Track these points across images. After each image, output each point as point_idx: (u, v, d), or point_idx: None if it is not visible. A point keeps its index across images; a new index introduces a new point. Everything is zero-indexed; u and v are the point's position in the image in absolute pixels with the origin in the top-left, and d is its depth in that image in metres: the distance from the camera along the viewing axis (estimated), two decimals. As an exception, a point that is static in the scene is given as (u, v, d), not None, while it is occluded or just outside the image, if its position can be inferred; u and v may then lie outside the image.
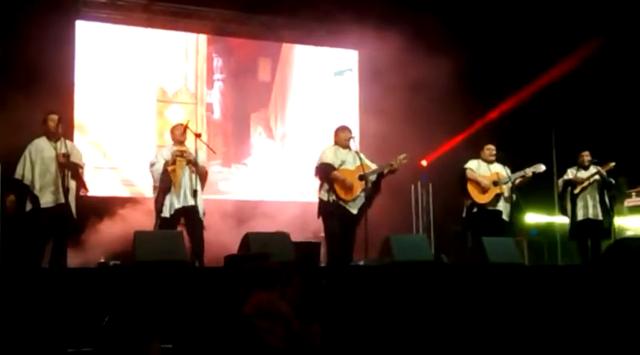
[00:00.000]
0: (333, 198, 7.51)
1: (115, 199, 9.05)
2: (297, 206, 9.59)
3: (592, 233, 8.74)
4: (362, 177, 7.51)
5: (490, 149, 8.45)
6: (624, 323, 6.29)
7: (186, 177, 7.38)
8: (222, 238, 8.08)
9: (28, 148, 7.14)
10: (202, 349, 3.45)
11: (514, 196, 8.30)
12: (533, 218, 10.27)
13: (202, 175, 7.52)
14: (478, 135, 9.33)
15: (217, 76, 10.47)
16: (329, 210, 7.55)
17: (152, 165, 7.51)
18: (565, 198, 8.94)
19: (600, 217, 8.74)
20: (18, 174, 7.08)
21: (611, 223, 8.88)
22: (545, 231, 10.36)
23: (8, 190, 7.18)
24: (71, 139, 8.08)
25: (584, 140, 9.56)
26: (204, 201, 7.54)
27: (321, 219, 7.67)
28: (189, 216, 7.35)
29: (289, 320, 4.05)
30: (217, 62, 10.49)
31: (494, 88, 10.53)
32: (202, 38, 10.40)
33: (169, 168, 7.38)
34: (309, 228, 8.79)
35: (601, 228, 8.75)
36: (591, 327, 6.23)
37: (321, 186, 7.64)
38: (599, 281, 6.92)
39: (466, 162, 8.44)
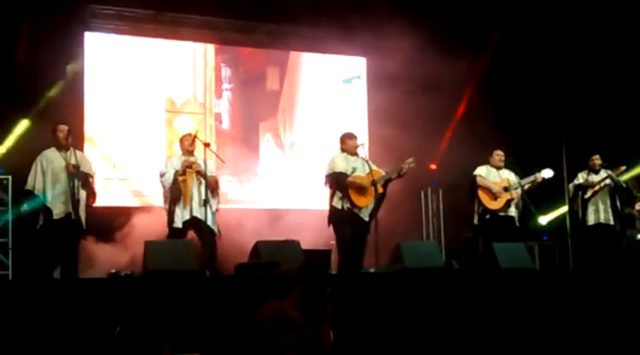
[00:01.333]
0: (347, 205, 7.51)
1: (125, 209, 9.06)
2: (307, 214, 9.59)
3: (604, 237, 8.71)
4: (374, 183, 7.51)
5: (499, 155, 8.44)
6: (637, 325, 6.26)
7: (195, 188, 7.42)
8: (231, 247, 8.09)
9: (38, 159, 7.17)
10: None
11: (524, 201, 8.29)
12: (545, 219, 10.23)
13: (213, 185, 7.54)
14: (487, 140, 9.30)
15: (226, 85, 10.48)
16: (342, 218, 7.54)
17: (162, 175, 7.55)
18: (576, 203, 8.92)
19: (612, 222, 8.71)
20: (29, 185, 7.11)
21: (622, 227, 8.84)
22: (557, 233, 10.31)
23: (20, 201, 7.23)
24: (81, 150, 8.11)
25: (594, 143, 9.55)
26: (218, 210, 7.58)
27: (331, 226, 7.67)
28: (200, 226, 7.37)
29: (300, 329, 4.05)
30: (225, 72, 10.51)
31: (503, 91, 10.51)
32: (210, 48, 10.43)
33: (180, 179, 7.42)
34: (319, 235, 8.78)
35: (613, 232, 8.71)
36: (604, 330, 6.20)
37: (333, 194, 7.63)
38: (610, 285, 6.89)
39: (475, 168, 8.44)
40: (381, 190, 7.56)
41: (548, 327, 6.23)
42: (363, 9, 9.92)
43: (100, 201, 7.80)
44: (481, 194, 8.25)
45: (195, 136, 7.68)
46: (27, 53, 8.73)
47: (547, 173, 8.36)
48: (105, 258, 8.29)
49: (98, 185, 7.70)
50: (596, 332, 6.29)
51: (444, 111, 10.16)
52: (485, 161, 8.48)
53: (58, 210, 7.04)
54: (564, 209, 10.13)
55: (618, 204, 8.76)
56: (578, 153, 9.58)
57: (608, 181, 8.69)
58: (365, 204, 7.51)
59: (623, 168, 8.73)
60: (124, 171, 9.55)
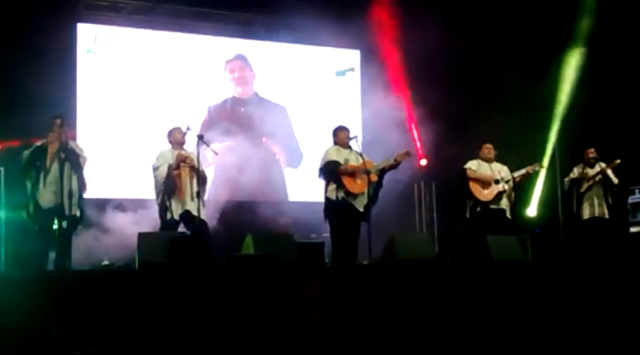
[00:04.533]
0: (341, 195, 7.52)
1: (120, 201, 9.05)
2: (300, 206, 9.61)
3: (598, 231, 8.74)
4: (367, 172, 7.52)
5: (489, 148, 8.47)
6: (631, 319, 6.29)
7: (189, 181, 7.43)
8: (226, 239, 8.10)
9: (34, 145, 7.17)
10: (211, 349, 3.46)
11: (515, 193, 8.32)
12: (536, 214, 10.26)
13: (203, 179, 7.57)
14: (479, 133, 9.32)
15: (220, 77, 10.46)
16: (336, 209, 7.56)
17: (155, 168, 7.53)
18: (571, 197, 8.94)
19: (607, 215, 8.75)
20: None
21: (616, 221, 8.88)
22: (550, 228, 10.35)
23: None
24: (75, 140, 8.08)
25: (587, 135, 9.57)
26: (207, 202, 7.59)
27: (325, 218, 7.68)
28: (192, 218, 7.39)
29: (294, 319, 4.05)
30: (220, 63, 10.49)
31: (493, 85, 10.51)
32: (206, 39, 10.41)
33: (174, 172, 7.42)
34: (311, 228, 8.80)
35: (607, 225, 8.75)
36: (598, 324, 6.22)
37: (327, 186, 7.64)
38: (603, 278, 6.91)
39: (465, 162, 8.46)
40: (374, 179, 7.57)
41: (541, 319, 6.25)
42: (356, 1, 9.90)
43: (93, 193, 7.78)
44: (472, 186, 8.27)
45: (188, 128, 7.69)
46: (19, 44, 8.70)
47: (538, 165, 8.40)
48: (98, 249, 8.30)
49: (93, 176, 7.67)
50: (588, 324, 6.31)
51: (437, 104, 10.14)
52: (476, 155, 8.50)
53: (48, 199, 7.01)
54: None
55: (610, 199, 8.79)
56: (571, 145, 9.62)
57: (601, 175, 8.73)
58: (360, 191, 7.53)
59: (618, 161, 8.75)
60: (119, 163, 9.53)
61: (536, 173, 8.57)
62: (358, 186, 7.53)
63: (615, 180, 8.75)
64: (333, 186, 7.58)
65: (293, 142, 10.62)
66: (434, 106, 10.09)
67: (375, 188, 7.63)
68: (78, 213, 7.16)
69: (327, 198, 7.63)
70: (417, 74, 10.04)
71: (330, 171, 7.59)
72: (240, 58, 10.55)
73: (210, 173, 8.48)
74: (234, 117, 10.29)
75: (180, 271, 6.02)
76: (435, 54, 9.96)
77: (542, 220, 10.35)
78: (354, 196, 7.53)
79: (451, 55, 10.13)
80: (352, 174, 7.51)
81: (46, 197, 7.02)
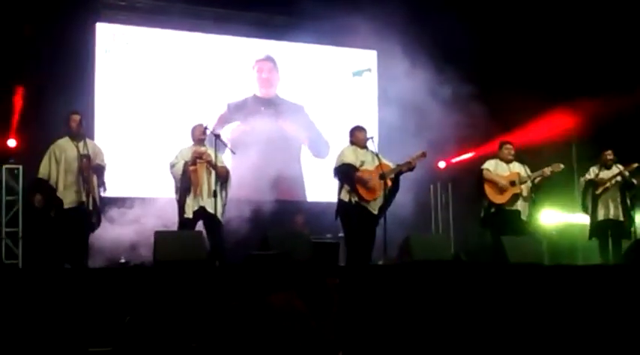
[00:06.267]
0: (355, 199, 7.48)
1: (136, 199, 9.10)
2: (317, 206, 9.62)
3: (613, 233, 8.70)
4: (382, 177, 7.50)
5: (509, 148, 8.39)
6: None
7: (206, 178, 7.44)
8: (243, 237, 8.14)
9: (51, 148, 7.21)
10: (224, 347, 3.48)
11: (533, 195, 8.26)
12: (552, 218, 10.20)
13: (224, 176, 7.56)
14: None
15: (239, 76, 10.50)
16: (349, 211, 7.53)
17: (172, 166, 7.56)
18: (587, 198, 8.90)
19: (621, 218, 8.70)
20: (43, 174, 7.14)
21: (632, 223, 8.82)
22: (565, 231, 10.30)
23: (33, 190, 7.27)
24: (92, 139, 8.14)
25: (605, 138, 9.52)
26: (228, 200, 7.62)
27: (339, 219, 7.68)
28: (209, 216, 7.40)
29: (306, 319, 4.06)
30: (237, 62, 10.52)
31: (515, 88, 10.48)
32: (224, 39, 10.45)
33: (190, 169, 7.44)
34: (328, 227, 8.81)
35: (622, 228, 8.70)
36: (611, 328, 6.19)
37: (341, 187, 7.61)
38: (619, 282, 6.87)
39: (484, 162, 8.42)
40: (390, 184, 7.55)
41: (556, 322, 6.23)
42: (373, 1, 9.90)
43: (111, 192, 7.83)
44: (487, 188, 8.21)
45: (206, 127, 7.70)
46: (39, 44, 8.77)
47: (557, 167, 8.32)
48: (115, 247, 8.35)
49: (110, 174, 7.73)
50: (604, 327, 6.28)
51: (454, 106, 10.12)
52: (495, 155, 8.46)
53: (69, 199, 7.08)
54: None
55: (628, 200, 8.74)
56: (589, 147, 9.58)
57: (619, 177, 8.68)
58: (373, 198, 7.50)
59: (635, 165, 8.70)
60: (136, 161, 9.58)
61: (556, 174, 8.46)
62: (373, 194, 7.52)
63: (635, 182, 8.70)
64: (347, 189, 7.55)
65: (316, 134, 10.65)
66: (457, 106, 10.09)
67: (392, 191, 7.61)
68: (96, 212, 7.22)
69: (340, 200, 7.59)
70: (439, 73, 10.00)
71: (346, 175, 7.56)
72: (270, 59, 10.63)
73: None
74: (254, 115, 10.31)
75: (193, 269, 6.04)
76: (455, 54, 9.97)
77: (558, 221, 10.30)
78: (368, 201, 7.52)
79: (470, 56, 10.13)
80: (367, 183, 7.49)
81: (67, 196, 7.08)
